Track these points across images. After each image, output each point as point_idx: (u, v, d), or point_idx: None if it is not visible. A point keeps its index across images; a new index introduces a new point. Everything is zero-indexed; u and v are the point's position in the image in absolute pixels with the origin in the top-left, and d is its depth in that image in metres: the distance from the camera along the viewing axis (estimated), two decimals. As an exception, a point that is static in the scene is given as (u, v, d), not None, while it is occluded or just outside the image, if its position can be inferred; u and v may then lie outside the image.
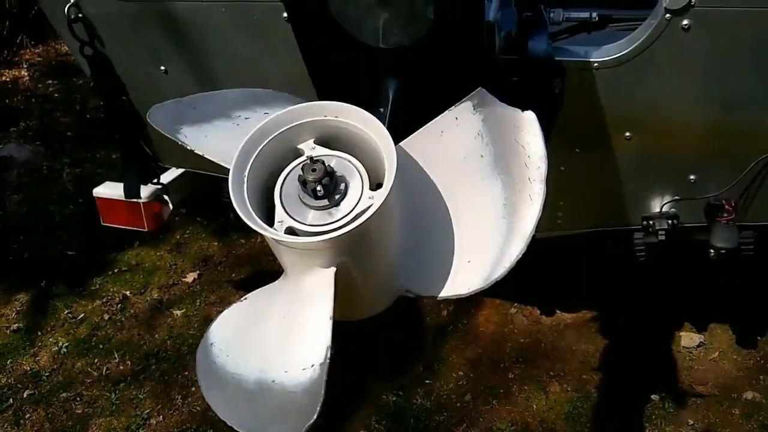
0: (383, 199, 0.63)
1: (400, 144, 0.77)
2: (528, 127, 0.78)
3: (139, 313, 3.07)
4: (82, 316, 3.06)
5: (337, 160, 0.71)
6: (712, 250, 1.96)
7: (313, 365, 0.63)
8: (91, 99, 5.49)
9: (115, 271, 3.35)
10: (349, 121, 0.73)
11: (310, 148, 0.72)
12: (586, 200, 2.11)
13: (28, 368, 2.79)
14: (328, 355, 0.64)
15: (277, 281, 0.77)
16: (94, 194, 2.51)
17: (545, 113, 1.74)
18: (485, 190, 0.74)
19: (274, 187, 0.71)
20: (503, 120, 0.79)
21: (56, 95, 5.52)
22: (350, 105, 0.75)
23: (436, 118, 0.80)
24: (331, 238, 0.63)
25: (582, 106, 1.79)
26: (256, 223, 0.68)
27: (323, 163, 0.67)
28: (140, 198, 2.39)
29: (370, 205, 0.66)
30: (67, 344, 2.89)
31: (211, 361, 0.76)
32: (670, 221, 2.00)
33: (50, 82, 5.75)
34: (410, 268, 0.74)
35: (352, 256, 0.66)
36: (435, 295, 0.76)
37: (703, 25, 1.57)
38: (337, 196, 0.68)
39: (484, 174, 0.76)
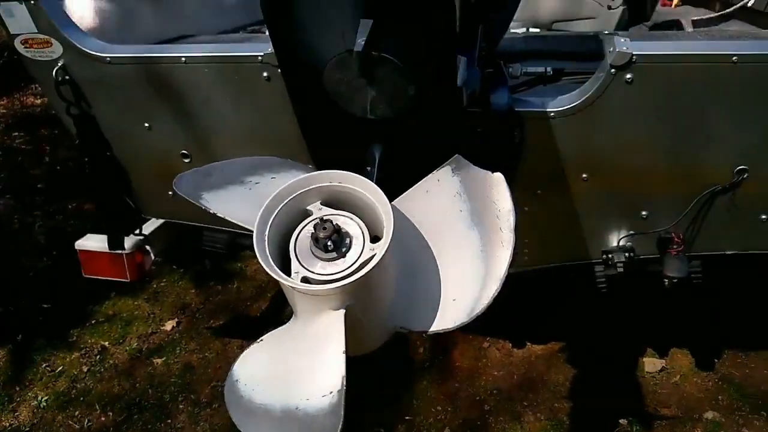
0: (384, 251, 0.75)
1: (394, 202, 0.90)
2: (498, 186, 0.91)
3: (118, 364, 3.08)
4: (60, 368, 3.06)
5: (341, 218, 0.83)
6: (665, 280, 2.14)
7: (332, 392, 0.73)
8: (60, 150, 5.52)
9: (93, 322, 3.36)
10: (352, 186, 0.86)
11: (318, 209, 0.84)
12: (550, 237, 2.25)
13: (8, 424, 2.77)
14: (344, 383, 0.75)
15: (289, 323, 0.87)
16: (76, 247, 2.57)
17: (508, 159, 1.93)
18: (465, 239, 0.87)
19: (288, 242, 0.83)
20: (477, 180, 0.93)
21: (24, 147, 5.53)
22: (353, 173, 0.87)
23: (422, 180, 0.93)
24: (342, 285, 0.74)
25: (541, 152, 1.95)
26: (278, 275, 0.79)
27: (332, 222, 0.79)
28: (124, 249, 2.45)
29: (372, 256, 0.78)
30: (46, 398, 2.89)
31: (239, 396, 0.85)
32: (626, 254, 2.16)
33: (17, 134, 5.76)
34: (404, 307, 0.86)
35: (358, 300, 0.77)
36: (426, 330, 0.87)
37: (644, 78, 1.75)
38: (343, 249, 0.80)
39: (464, 225, 0.88)
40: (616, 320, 3.13)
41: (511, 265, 2.34)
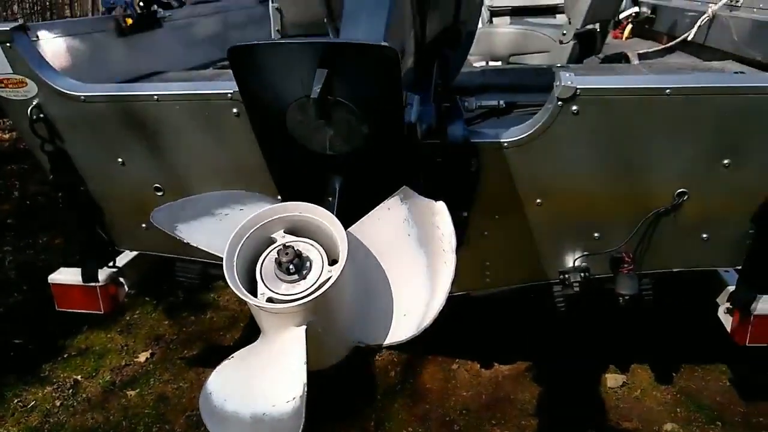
0: (339, 273, 0.85)
1: (350, 228, 1.00)
2: (440, 213, 1.02)
3: (91, 397, 3.09)
4: (33, 403, 3.05)
5: (302, 244, 0.92)
6: (619, 297, 2.26)
7: (294, 398, 0.82)
8: (29, 185, 5.53)
9: (65, 356, 3.36)
10: (312, 216, 0.96)
11: (281, 237, 0.93)
12: (509, 259, 2.36)
13: (-21, 461, 2.76)
14: (305, 390, 0.84)
15: (257, 341, 0.96)
16: (50, 281, 2.60)
17: (466, 187, 2.05)
18: (413, 260, 0.97)
19: (255, 267, 0.92)
20: (423, 208, 1.03)
21: (-7, 182, 5.53)
22: (311, 204, 0.97)
23: (374, 209, 1.03)
24: (302, 304, 0.83)
25: (497, 179, 2.07)
26: (245, 296, 0.88)
27: (293, 248, 0.88)
28: (97, 281, 2.50)
29: (329, 278, 0.87)
30: (18, 433, 2.88)
31: (213, 406, 0.93)
32: (582, 274, 2.28)
33: (-15, 169, 5.77)
34: (361, 323, 0.95)
35: (317, 317, 0.86)
36: (381, 344, 0.97)
37: (588, 110, 1.89)
38: (304, 272, 0.89)
39: (411, 248, 0.99)
40: (579, 338, 3.25)
41: (473, 284, 2.45)
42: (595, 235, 2.20)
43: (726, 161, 1.96)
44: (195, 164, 2.22)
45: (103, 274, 2.54)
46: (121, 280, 2.61)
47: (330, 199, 1.14)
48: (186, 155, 2.21)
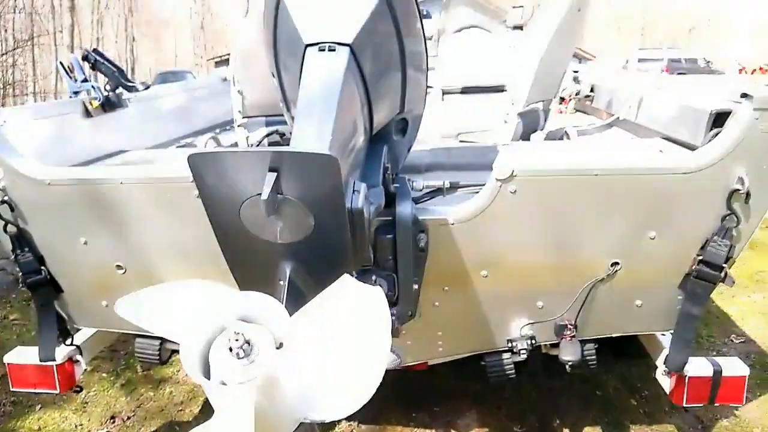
0: (284, 357, 0.94)
1: (297, 312, 1.10)
2: (378, 297, 1.14)
3: (43, 480, 3.02)
4: (-19, 488, 2.96)
5: (253, 329, 1.02)
6: (564, 363, 2.38)
7: (243, 472, 0.90)
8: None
9: (17, 437, 3.29)
10: (261, 304, 1.06)
11: (233, 323, 1.03)
12: (460, 329, 2.47)
13: None
14: None
15: (212, 419, 1.03)
16: (5, 361, 2.59)
17: (416, 261, 2.17)
18: (353, 341, 1.08)
19: (209, 352, 1.01)
20: (362, 293, 1.15)
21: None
22: (261, 294, 1.08)
23: (318, 296, 1.14)
24: (248, 387, 0.92)
25: (445, 253, 2.20)
26: (200, 379, 0.96)
27: (243, 334, 0.98)
28: (54, 360, 2.51)
29: (276, 361, 0.97)
30: None
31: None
32: (528, 341, 2.40)
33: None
34: (306, 401, 1.04)
35: (264, 396, 0.95)
36: (325, 420, 1.05)
37: (525, 189, 2.06)
38: (252, 356, 0.98)
39: (351, 331, 1.09)
40: (530, 399, 3.34)
41: (427, 354, 2.52)
42: (539, 304, 2.33)
43: (652, 234, 2.14)
44: (156, 244, 2.30)
45: (60, 352, 2.55)
46: (78, 358, 2.62)
47: (281, 282, 1.25)
48: (148, 235, 2.29)
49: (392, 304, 2.19)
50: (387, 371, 2.67)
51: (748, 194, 2.03)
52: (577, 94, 4.50)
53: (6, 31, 20.13)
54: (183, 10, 45.60)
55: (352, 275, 1.24)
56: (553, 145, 3.22)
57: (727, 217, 2.09)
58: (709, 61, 24.77)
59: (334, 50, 1.63)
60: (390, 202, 2.10)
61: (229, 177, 1.18)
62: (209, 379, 0.97)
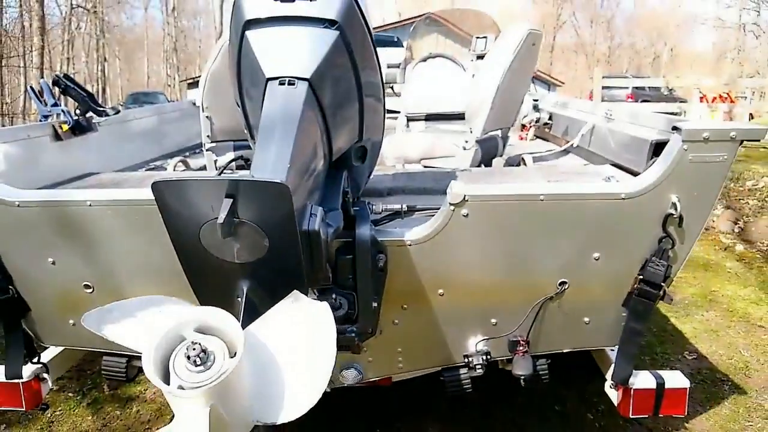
0: (235, 364, 1.04)
1: (252, 324, 1.20)
2: (324, 312, 1.24)
3: (6, 500, 3.02)
4: None
5: (208, 339, 1.11)
6: (517, 377, 2.50)
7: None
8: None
9: (-21, 458, 3.28)
10: (216, 318, 1.16)
11: (191, 334, 1.12)
12: (419, 346, 2.57)
13: None
14: None
15: (172, 422, 1.11)
16: (-29, 379, 2.62)
17: (376, 280, 2.28)
18: (302, 349, 1.18)
19: (169, 359, 1.10)
20: (311, 308, 1.25)
21: None
22: (217, 309, 1.18)
23: (271, 309, 1.25)
24: (203, 390, 1.01)
25: (403, 273, 2.32)
26: (160, 384, 1.05)
27: (199, 343, 1.07)
28: (21, 378, 2.54)
29: (228, 368, 1.06)
30: None
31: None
32: (484, 357, 2.51)
33: None
34: (258, 405, 1.13)
35: (219, 400, 1.05)
36: (276, 422, 1.15)
37: (476, 212, 2.19)
38: (208, 363, 1.08)
39: (301, 340, 1.19)
40: (492, 414, 3.45)
41: (387, 370, 2.60)
42: (492, 321, 2.46)
43: (596, 255, 2.29)
44: (124, 263, 2.37)
45: (26, 370, 2.59)
46: (45, 376, 2.66)
47: (239, 299, 1.35)
48: (115, 255, 2.36)
49: (352, 321, 2.30)
50: (350, 387, 2.80)
51: (681, 218, 2.19)
52: (537, 122, 4.70)
53: (-25, 50, 19.93)
54: (156, 31, 45.63)
55: (306, 293, 1.35)
56: (508, 171, 3.38)
57: (664, 240, 2.25)
58: (671, 89, 25.53)
59: (293, 84, 1.75)
60: (350, 225, 2.22)
61: (189, 202, 1.28)
62: (169, 384, 1.06)
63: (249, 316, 1.30)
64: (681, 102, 23.83)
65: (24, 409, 2.62)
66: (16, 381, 2.56)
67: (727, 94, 22.78)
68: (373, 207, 2.42)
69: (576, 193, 2.21)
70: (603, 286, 2.38)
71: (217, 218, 1.22)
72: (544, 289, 2.36)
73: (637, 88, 24.33)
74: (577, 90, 37.17)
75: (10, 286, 2.46)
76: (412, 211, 2.47)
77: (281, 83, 1.77)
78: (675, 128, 2.16)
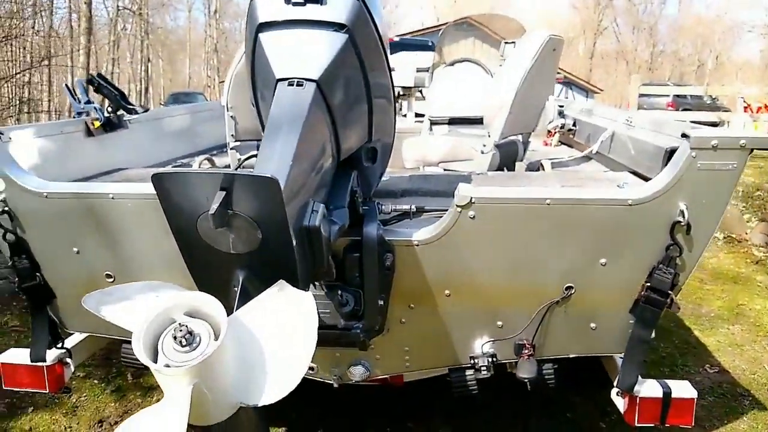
0: (216, 346, 1.10)
1: (236, 311, 1.27)
2: (307, 301, 1.30)
3: (30, 478, 3.16)
4: (-29, 485, 3.10)
5: (195, 322, 1.18)
6: (522, 380, 2.52)
7: (175, 440, 1.05)
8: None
9: (8, 437, 3.43)
10: (204, 303, 1.23)
11: (180, 317, 1.19)
12: (425, 345, 2.61)
13: None
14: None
15: (162, 400, 1.19)
16: (-1, 361, 2.76)
17: (383, 279, 2.33)
18: (284, 336, 1.24)
19: (158, 340, 1.17)
20: (295, 296, 1.31)
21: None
22: (205, 294, 1.25)
23: (257, 297, 1.31)
24: (186, 368, 1.08)
25: (410, 273, 2.36)
26: (148, 362, 1.13)
27: (186, 326, 1.14)
28: (45, 361, 2.67)
29: (212, 348, 1.13)
30: None
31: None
32: (489, 359, 2.53)
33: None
34: (242, 387, 1.19)
35: (202, 380, 1.11)
36: (258, 404, 1.20)
37: (483, 215, 2.23)
38: (194, 344, 1.15)
39: (284, 327, 1.25)
40: (501, 418, 3.46)
41: (395, 368, 2.63)
42: (498, 323, 2.48)
43: (603, 260, 2.30)
44: (143, 254, 2.48)
45: (50, 354, 2.71)
46: (68, 360, 2.78)
47: (235, 288, 1.42)
48: (135, 246, 2.47)
49: (358, 318, 2.36)
50: (362, 385, 2.85)
51: (689, 226, 2.19)
52: (562, 128, 4.68)
53: (24, 49, 20.68)
54: (198, 33, 46.63)
55: (301, 285, 1.41)
56: (524, 175, 3.39)
57: (671, 247, 2.24)
58: (714, 98, 24.93)
59: (302, 85, 1.82)
60: (359, 223, 2.27)
61: (187, 194, 1.36)
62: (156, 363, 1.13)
63: (244, 304, 1.36)
64: (724, 111, 23.29)
65: (47, 391, 2.74)
66: (40, 364, 2.69)
67: (771, 103, 22.14)
68: (383, 207, 2.47)
69: (582, 198, 2.22)
70: (610, 292, 2.38)
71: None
72: (550, 293, 2.37)
73: (678, 96, 23.83)
74: (617, 97, 36.57)
75: (37, 273, 2.59)
76: (420, 212, 2.51)
77: (290, 84, 1.84)
78: (684, 135, 2.16)
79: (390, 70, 2.17)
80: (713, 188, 2.17)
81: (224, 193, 1.31)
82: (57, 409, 3.65)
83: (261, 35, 1.94)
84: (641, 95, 23.95)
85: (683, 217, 2.17)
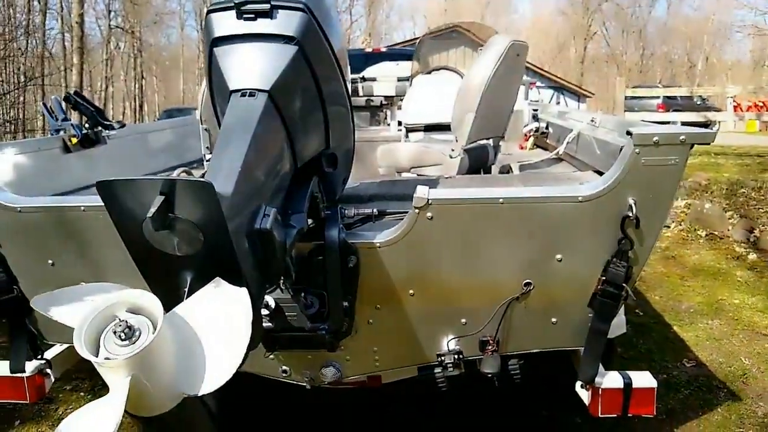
0: (151, 339, 1.19)
1: (176, 307, 1.35)
2: (241, 295, 1.38)
3: (17, 490, 3.21)
4: (-42, 497, 3.16)
5: (136, 318, 1.26)
6: (486, 376, 2.59)
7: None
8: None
9: (-6, 451, 3.49)
10: (143, 299, 1.31)
11: (122, 314, 1.27)
12: (393, 345, 2.68)
13: None
14: (119, 421, 1.14)
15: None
16: (-24, 373, 2.82)
17: (348, 281, 2.40)
18: (221, 328, 1.32)
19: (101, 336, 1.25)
20: (231, 293, 1.39)
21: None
22: (144, 292, 1.33)
23: (194, 294, 1.39)
24: (120, 359, 1.16)
25: (374, 274, 2.43)
26: (88, 356, 1.20)
27: (126, 321, 1.22)
28: (24, 372, 2.74)
29: (150, 341, 1.21)
30: None
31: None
32: (456, 356, 2.60)
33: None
34: (183, 378, 1.27)
35: (141, 371, 1.19)
36: (197, 393, 1.28)
37: (440, 215, 2.30)
38: (133, 339, 1.22)
39: (219, 321, 1.33)
40: (478, 415, 3.53)
41: (366, 368, 2.68)
42: (462, 320, 2.55)
43: (558, 256, 2.37)
44: (116, 264, 2.54)
45: (30, 366, 2.78)
46: (48, 371, 2.84)
47: (184, 290, 1.50)
48: (108, 256, 2.53)
49: (323, 319, 2.43)
50: (339, 389, 2.92)
51: (638, 220, 2.26)
52: (536, 131, 4.78)
53: (19, 69, 20.85)
54: (191, 50, 46.94)
55: (243, 285, 1.48)
56: (489, 178, 3.48)
57: (623, 241, 2.32)
58: (705, 99, 25.11)
59: (254, 96, 1.91)
60: (320, 227, 2.36)
61: (131, 200, 1.45)
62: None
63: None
64: (715, 111, 23.43)
65: (28, 401, 2.80)
66: (20, 375, 2.75)
67: (762, 102, 22.31)
68: (345, 211, 2.54)
69: (534, 197, 2.30)
70: (567, 287, 2.45)
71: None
72: (510, 290, 2.44)
73: (668, 98, 24.00)
74: (609, 101, 36.78)
75: (14, 286, 2.66)
76: (382, 215, 2.59)
77: (243, 95, 1.92)
78: (628, 133, 2.24)
79: (345, 79, 2.26)
80: (658, 183, 2.25)
81: (163, 197, 1.39)
82: (43, 421, 3.71)
83: (216, 49, 2.03)
84: (632, 98, 24.17)
85: (632, 211, 2.25)
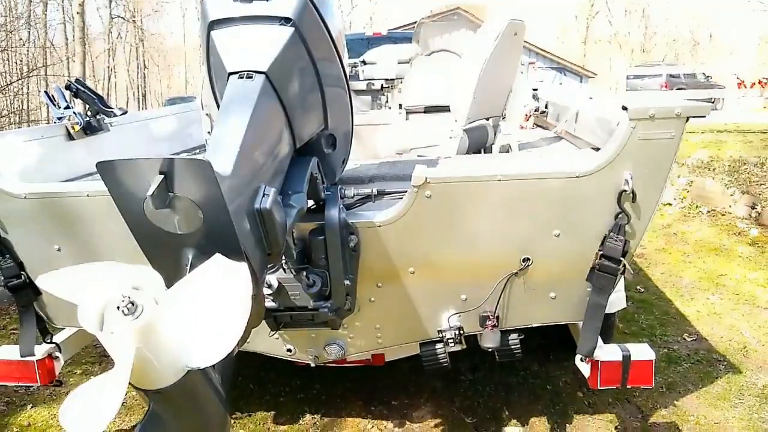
0: (152, 312, 1.23)
1: (177, 282, 1.38)
2: (240, 269, 1.42)
3: (31, 471, 3.29)
4: (-27, 479, 3.24)
5: (139, 294, 1.30)
6: (486, 350, 2.64)
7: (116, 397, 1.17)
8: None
9: (8, 433, 3.57)
10: (145, 275, 1.35)
11: (125, 290, 1.31)
12: (395, 322, 2.73)
13: None
14: (125, 389, 1.19)
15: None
16: (-12, 357, 2.89)
17: (349, 259, 2.44)
18: (222, 302, 1.36)
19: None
20: (231, 267, 1.43)
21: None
22: (147, 268, 1.37)
23: (195, 269, 1.43)
24: (127, 331, 1.20)
25: (374, 253, 2.47)
26: (95, 330, 1.24)
27: (129, 297, 1.26)
28: (34, 355, 2.80)
29: (151, 313, 1.25)
30: (-43, 507, 3.05)
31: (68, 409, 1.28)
32: (457, 332, 2.65)
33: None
34: (185, 351, 1.31)
35: (145, 344, 1.23)
36: (200, 365, 1.32)
37: (438, 193, 2.33)
38: (136, 313, 1.26)
39: (221, 294, 1.37)
40: (483, 393, 3.58)
41: (369, 345, 2.72)
42: (462, 297, 2.59)
43: (556, 232, 2.41)
44: (120, 247, 2.57)
45: (40, 349, 2.84)
46: (58, 354, 2.91)
47: (186, 266, 1.54)
48: (112, 240, 2.57)
49: (326, 298, 2.47)
50: (343, 367, 2.98)
51: (634, 194, 2.29)
52: (536, 110, 4.78)
53: (21, 61, 20.83)
54: (193, 38, 46.74)
55: (243, 260, 1.52)
56: (488, 157, 3.50)
57: (620, 215, 2.35)
58: (708, 76, 24.95)
59: (251, 77, 1.93)
60: (321, 207, 2.39)
61: (131, 180, 1.48)
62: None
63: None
64: (718, 88, 23.29)
65: (39, 384, 2.87)
66: (30, 359, 2.81)
67: (767, 79, 22.13)
68: (345, 192, 2.58)
69: (531, 173, 2.33)
70: (565, 262, 2.49)
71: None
72: (509, 266, 2.48)
73: (671, 76, 23.86)
74: (613, 81, 36.53)
75: (22, 272, 2.71)
76: (382, 195, 2.62)
77: (240, 77, 1.95)
78: (624, 108, 2.26)
79: (342, 61, 2.28)
80: (654, 157, 2.27)
81: (162, 177, 1.43)
82: (55, 405, 3.78)
83: (213, 33, 2.05)
84: (635, 77, 24.08)
85: (628, 186, 2.27)
